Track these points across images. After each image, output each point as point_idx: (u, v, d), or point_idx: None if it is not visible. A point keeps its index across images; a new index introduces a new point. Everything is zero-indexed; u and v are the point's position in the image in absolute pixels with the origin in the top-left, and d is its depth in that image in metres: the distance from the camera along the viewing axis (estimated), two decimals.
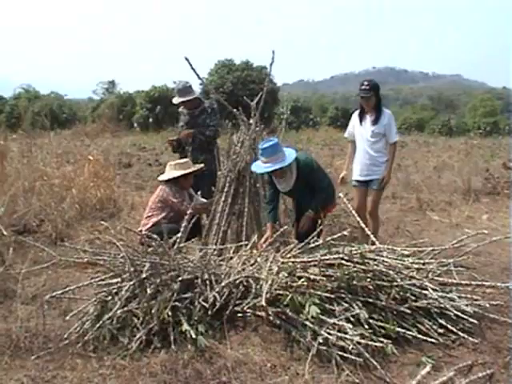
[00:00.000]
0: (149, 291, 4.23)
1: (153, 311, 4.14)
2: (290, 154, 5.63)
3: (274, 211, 5.91)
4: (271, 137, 5.88)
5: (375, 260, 4.64)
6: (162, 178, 6.52)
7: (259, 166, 5.60)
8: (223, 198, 5.89)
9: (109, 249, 6.45)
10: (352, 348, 3.84)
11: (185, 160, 6.59)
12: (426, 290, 4.52)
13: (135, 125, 30.30)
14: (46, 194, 8.45)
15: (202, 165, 6.83)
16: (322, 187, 5.85)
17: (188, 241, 5.96)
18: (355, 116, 6.88)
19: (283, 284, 4.34)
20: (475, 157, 16.92)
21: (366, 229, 5.42)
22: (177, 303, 4.29)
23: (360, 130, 6.76)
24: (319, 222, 5.74)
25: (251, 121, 6.05)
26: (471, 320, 4.43)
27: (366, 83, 6.59)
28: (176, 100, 7.34)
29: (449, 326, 4.35)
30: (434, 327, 4.34)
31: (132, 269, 4.41)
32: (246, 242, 5.41)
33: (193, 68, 5.64)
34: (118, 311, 4.21)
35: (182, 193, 6.42)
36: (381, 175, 6.61)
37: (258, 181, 5.96)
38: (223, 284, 4.50)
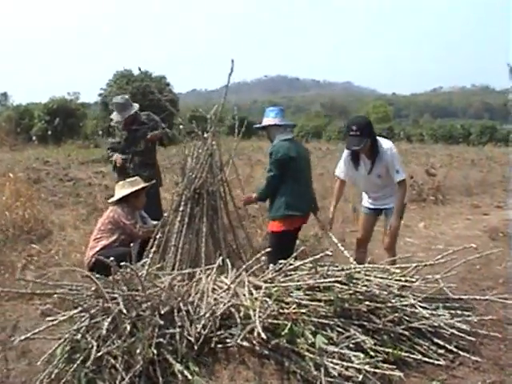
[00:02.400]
0: (128, 328, 3.80)
1: (138, 350, 3.70)
2: (288, 121, 5.95)
3: None
4: None
5: (366, 280, 4.41)
6: (113, 199, 6.02)
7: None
8: (179, 218, 5.48)
9: (49, 275, 6.02)
10: (362, 378, 3.61)
11: (134, 178, 6.11)
12: (416, 308, 4.33)
13: (34, 138, 29.09)
14: None
15: (154, 181, 6.42)
16: (266, 177, 5.72)
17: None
18: (348, 157, 5.78)
19: (275, 312, 4.00)
20: None
21: (345, 252, 5.25)
22: (160, 339, 3.87)
23: (361, 173, 5.73)
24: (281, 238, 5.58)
25: (206, 135, 5.66)
26: (467, 337, 4.28)
27: (354, 128, 5.37)
28: (116, 117, 6.90)
29: (447, 346, 4.19)
30: (433, 348, 4.16)
31: (107, 304, 3.96)
32: (213, 266, 5.03)
33: (144, 75, 5.22)
34: (99, 353, 3.71)
35: (134, 214, 5.94)
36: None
37: (216, 198, 5.59)
38: (207, 315, 4.11)
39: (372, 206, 5.91)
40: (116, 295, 4.02)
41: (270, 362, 3.99)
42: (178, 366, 3.70)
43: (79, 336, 3.94)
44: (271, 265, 4.83)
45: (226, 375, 3.88)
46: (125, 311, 3.79)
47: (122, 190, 5.94)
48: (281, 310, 4.01)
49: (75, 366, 3.71)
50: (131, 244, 5.88)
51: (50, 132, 28.65)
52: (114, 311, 3.89)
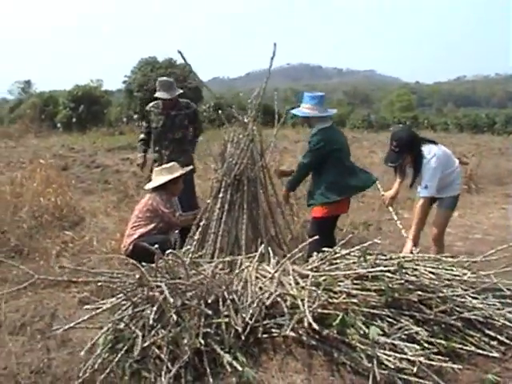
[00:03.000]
0: (174, 317, 3.67)
1: (185, 340, 3.59)
2: (330, 111, 5.79)
3: None
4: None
5: (415, 269, 4.25)
6: (150, 186, 5.89)
7: (298, 110, 5.72)
8: (218, 205, 5.35)
9: (85, 262, 5.95)
10: (417, 370, 3.48)
11: (171, 164, 5.97)
12: (466, 298, 4.20)
13: (58, 125, 29.11)
14: None
15: (191, 167, 6.31)
16: (299, 163, 5.76)
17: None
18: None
19: (325, 302, 3.86)
20: None
21: (403, 230, 5.18)
22: (207, 329, 3.76)
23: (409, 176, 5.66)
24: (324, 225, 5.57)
25: (246, 120, 5.52)
26: None
27: (394, 143, 5.31)
28: (162, 95, 6.63)
29: (499, 337, 4.03)
30: (485, 339, 4.01)
31: (151, 293, 3.85)
32: (255, 254, 4.92)
33: (186, 61, 5.05)
34: (145, 343, 3.60)
35: (171, 201, 5.82)
36: (455, 192, 5.54)
37: (256, 185, 5.46)
38: (254, 305, 3.99)
39: None
40: (160, 283, 3.91)
41: (317, 353, 3.86)
42: (227, 357, 3.57)
43: (122, 325, 3.84)
44: (315, 253, 4.72)
45: (274, 366, 3.75)
46: (171, 300, 3.66)
47: (159, 176, 5.81)
48: (330, 300, 3.88)
49: (119, 356, 3.61)
50: (176, 231, 5.81)
51: (74, 119, 28.62)
52: (158, 300, 3.78)
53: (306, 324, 3.60)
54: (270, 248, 5.06)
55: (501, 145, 23.12)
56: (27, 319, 4.64)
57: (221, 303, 4.00)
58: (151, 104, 6.92)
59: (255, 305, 3.98)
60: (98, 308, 4.05)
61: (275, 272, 4.35)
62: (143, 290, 3.96)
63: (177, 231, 5.99)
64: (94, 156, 16.62)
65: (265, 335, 3.99)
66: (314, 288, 3.93)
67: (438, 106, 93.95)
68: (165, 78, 6.83)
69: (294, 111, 5.80)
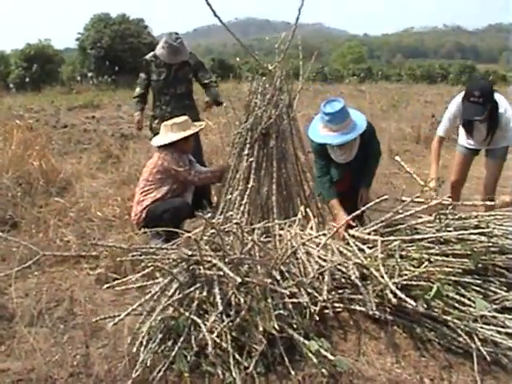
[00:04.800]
0: (241, 299, 3.09)
1: (259, 327, 3.00)
2: (359, 119, 4.62)
3: (332, 185, 4.83)
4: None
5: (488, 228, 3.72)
6: (158, 142, 5.17)
7: (327, 137, 4.52)
8: (244, 164, 4.75)
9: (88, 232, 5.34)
10: None
11: (183, 119, 5.25)
12: None
13: (11, 85, 27.90)
14: None
15: (203, 123, 5.65)
16: (375, 153, 4.96)
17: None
18: (455, 117, 5.07)
19: (408, 271, 3.34)
20: (387, 103, 16.19)
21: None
22: (280, 311, 3.18)
23: (476, 139, 5.15)
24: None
25: (271, 67, 4.88)
26: None
27: (477, 94, 4.61)
28: (170, 59, 5.91)
29: None
30: None
31: (208, 271, 3.26)
32: (294, 219, 4.35)
33: (212, 9, 4.35)
34: (212, 334, 2.98)
35: (183, 159, 5.13)
36: (509, 142, 4.94)
37: (286, 140, 4.85)
38: (326, 278, 3.43)
39: (471, 147, 5.30)
40: (210, 258, 3.33)
41: (396, 330, 3.41)
42: (313, 344, 3.00)
43: (170, 310, 3.23)
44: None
45: (352, 348, 3.25)
46: (238, 279, 3.06)
47: (169, 133, 5.09)
48: (413, 269, 3.35)
49: (176, 349, 3.01)
50: (188, 193, 5.21)
51: (27, 79, 27.46)
52: (213, 278, 3.21)
53: (393, 299, 3.08)
54: (308, 210, 4.51)
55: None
56: (43, 306, 3.88)
57: (279, 278, 3.43)
58: (151, 53, 6.19)
59: (326, 278, 3.42)
60: (125, 288, 3.52)
61: (328, 239, 3.79)
62: (190, 267, 3.37)
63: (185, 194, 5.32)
64: (57, 116, 15.66)
65: (327, 311, 3.44)
66: (386, 255, 3.44)
67: (387, 57, 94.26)
68: (173, 38, 5.95)
69: (334, 141, 4.53)
